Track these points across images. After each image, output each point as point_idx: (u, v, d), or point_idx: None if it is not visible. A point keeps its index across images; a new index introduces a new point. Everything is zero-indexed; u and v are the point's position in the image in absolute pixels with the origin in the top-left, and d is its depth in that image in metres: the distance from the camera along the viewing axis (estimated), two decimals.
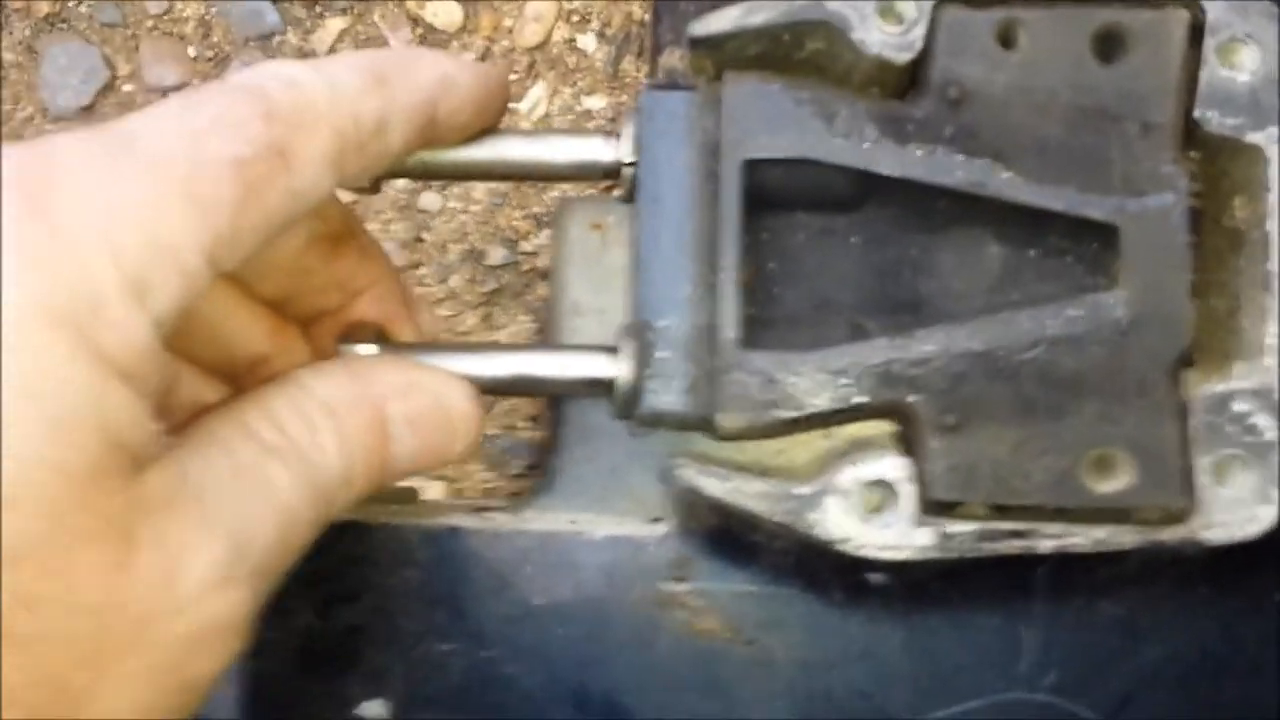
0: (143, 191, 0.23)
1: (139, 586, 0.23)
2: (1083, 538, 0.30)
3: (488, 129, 0.32)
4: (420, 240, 0.49)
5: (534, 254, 0.48)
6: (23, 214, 0.22)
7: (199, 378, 0.31)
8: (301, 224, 0.30)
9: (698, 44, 0.32)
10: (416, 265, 0.49)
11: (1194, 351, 0.31)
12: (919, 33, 0.31)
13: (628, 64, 0.49)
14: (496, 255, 0.49)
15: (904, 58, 0.31)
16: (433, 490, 0.47)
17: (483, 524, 0.33)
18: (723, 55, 0.32)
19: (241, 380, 0.32)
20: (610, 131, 0.32)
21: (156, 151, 0.24)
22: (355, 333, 0.33)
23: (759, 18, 0.31)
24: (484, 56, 0.49)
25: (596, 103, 0.49)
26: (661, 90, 0.32)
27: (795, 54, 0.32)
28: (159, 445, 0.24)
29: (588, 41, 0.49)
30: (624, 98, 0.49)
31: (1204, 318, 0.32)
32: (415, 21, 0.49)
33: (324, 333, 0.33)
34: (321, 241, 0.32)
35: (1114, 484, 0.30)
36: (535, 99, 0.49)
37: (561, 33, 0.49)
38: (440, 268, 0.49)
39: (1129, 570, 0.31)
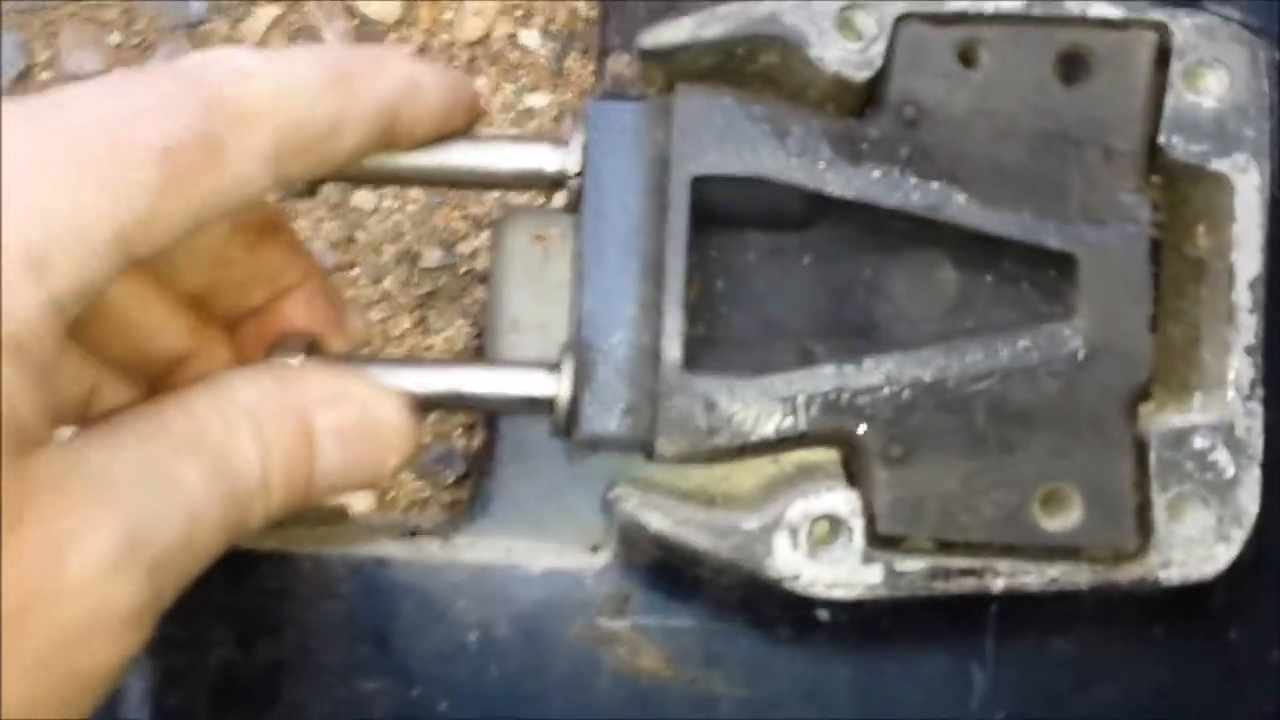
0: (59, 166, 0.23)
1: (21, 568, 0.22)
2: (1035, 576, 0.29)
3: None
4: (353, 240, 0.47)
5: (472, 256, 0.47)
6: None
7: (119, 382, 0.30)
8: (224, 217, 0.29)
9: (648, 55, 0.30)
10: (349, 266, 0.47)
11: (1153, 379, 0.30)
12: (878, 50, 0.29)
13: (572, 61, 0.48)
14: (433, 257, 0.47)
15: (862, 75, 0.30)
16: (362, 502, 0.46)
17: (412, 554, 0.32)
18: (674, 66, 0.31)
19: (163, 383, 0.30)
20: (558, 139, 0.31)
21: (82, 127, 0.23)
22: (284, 344, 0.31)
23: (713, 30, 0.30)
24: (423, 51, 0.47)
25: (539, 100, 0.47)
26: (609, 101, 0.31)
27: (749, 67, 0.31)
28: (54, 429, 0.23)
29: (531, 37, 0.48)
30: (568, 95, 0.48)
31: (1163, 345, 0.31)
32: (350, 13, 0.47)
33: (249, 336, 0.32)
34: (246, 231, 0.30)
35: (1064, 521, 0.29)
36: None
37: (503, 28, 0.48)
38: (374, 269, 0.47)
39: (1082, 608, 0.31)
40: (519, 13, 0.48)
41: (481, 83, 0.47)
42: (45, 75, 0.47)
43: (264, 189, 0.26)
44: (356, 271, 0.47)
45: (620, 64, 0.36)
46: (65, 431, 0.29)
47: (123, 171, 0.23)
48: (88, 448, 0.24)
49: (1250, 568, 0.30)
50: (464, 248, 0.47)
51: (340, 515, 0.37)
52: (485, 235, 0.47)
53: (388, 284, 0.47)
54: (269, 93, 0.25)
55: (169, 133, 0.24)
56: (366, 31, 0.47)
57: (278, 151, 0.25)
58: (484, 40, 0.48)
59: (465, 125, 0.30)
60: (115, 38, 0.47)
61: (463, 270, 0.47)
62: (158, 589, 0.24)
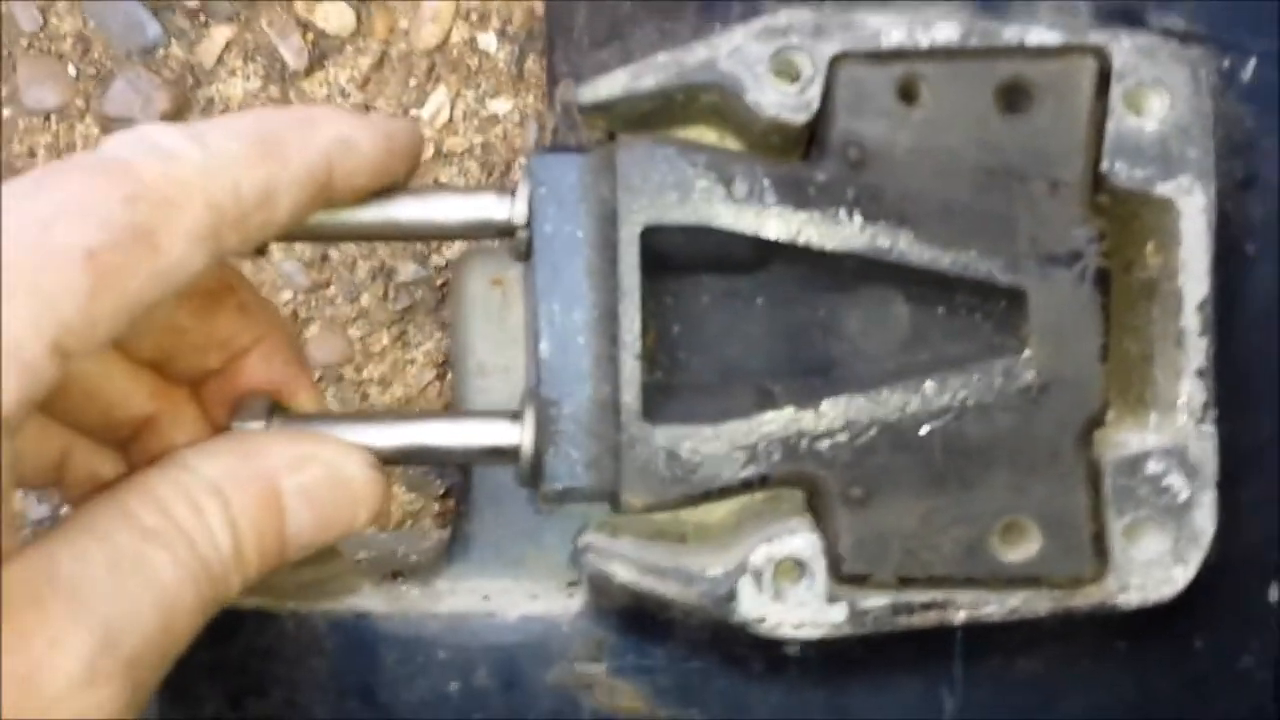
0: None
1: (1, 690, 0.22)
2: (996, 606, 0.30)
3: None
4: (326, 259, 0.47)
5: (446, 268, 0.47)
6: None
7: (90, 447, 0.30)
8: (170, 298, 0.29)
9: (586, 109, 0.30)
10: (325, 284, 0.47)
11: (1112, 395, 0.31)
12: (815, 92, 0.29)
13: (533, 63, 0.47)
14: (407, 271, 0.47)
15: (800, 119, 0.29)
16: None
17: (392, 605, 0.32)
18: (615, 114, 0.31)
19: (131, 446, 0.31)
20: (503, 188, 0.31)
21: (6, 237, 0.23)
22: (247, 405, 0.32)
23: (647, 82, 0.29)
24: (380, 61, 0.47)
25: (502, 106, 0.47)
26: (552, 154, 0.30)
27: (691, 106, 0.31)
28: (20, 537, 0.24)
29: (489, 41, 0.47)
30: (530, 99, 0.47)
31: (1120, 360, 0.31)
32: (305, 27, 0.47)
33: (213, 393, 0.32)
34: (194, 299, 0.31)
35: (1023, 552, 0.29)
36: (437, 105, 0.47)
37: (461, 33, 0.47)
38: (350, 286, 0.47)
39: (1046, 628, 0.31)
40: (475, 16, 0.47)
41: (442, 92, 0.47)
42: (7, 111, 0.47)
43: (203, 266, 0.26)
44: (332, 290, 0.47)
45: (569, 91, 0.36)
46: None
47: (50, 280, 0.23)
48: (58, 551, 0.24)
49: (1213, 577, 0.30)
50: (438, 259, 0.47)
51: (330, 551, 0.37)
52: (459, 245, 0.47)
53: (364, 301, 0.47)
54: (197, 171, 0.25)
55: (91, 234, 0.23)
56: (322, 45, 0.47)
57: (213, 229, 0.25)
58: (442, 46, 0.47)
59: (407, 171, 0.30)
60: (72, 69, 0.47)
61: (439, 282, 0.47)
62: (137, 684, 0.24)
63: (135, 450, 0.31)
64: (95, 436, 0.30)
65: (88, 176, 0.24)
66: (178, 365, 0.31)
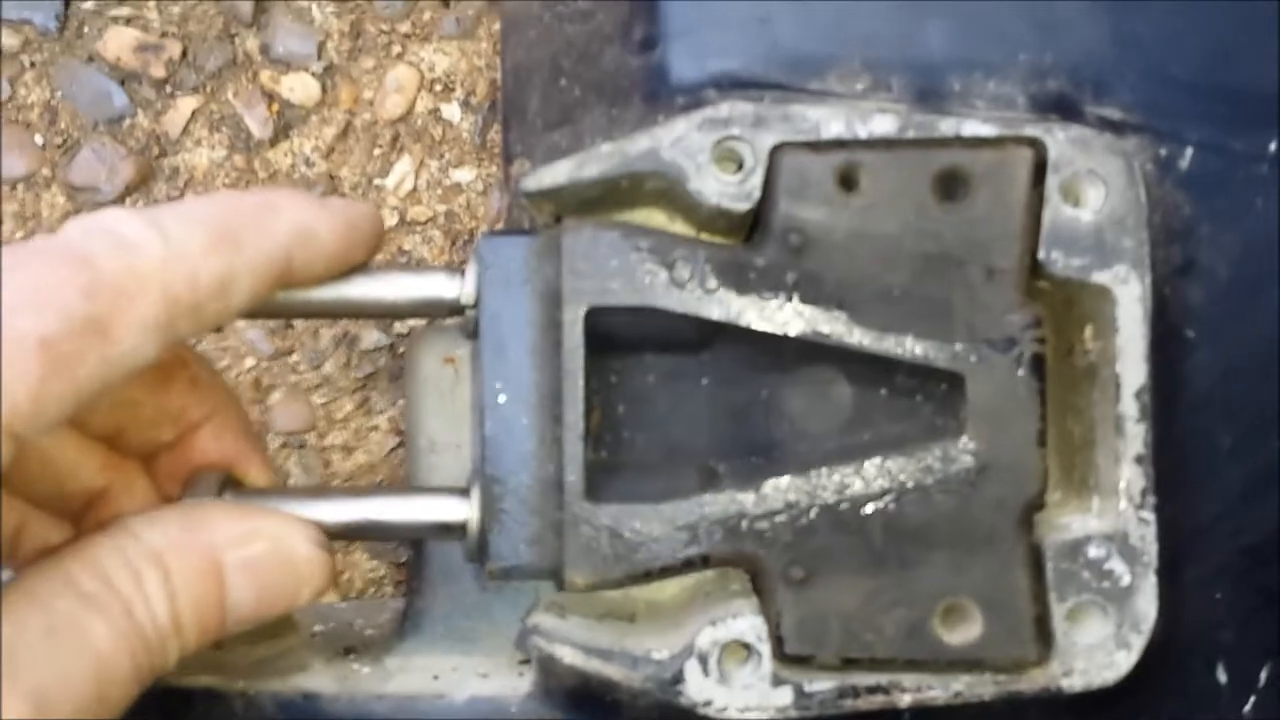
0: None
1: None
2: (941, 690, 0.30)
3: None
4: (291, 326, 0.47)
5: (409, 335, 0.47)
6: None
7: (42, 518, 0.31)
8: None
9: (532, 195, 0.30)
10: (288, 352, 0.47)
11: (1057, 474, 0.31)
12: (756, 181, 0.30)
13: (495, 134, 0.48)
14: (370, 339, 0.47)
15: (742, 207, 0.30)
16: None
17: (341, 686, 0.32)
18: (563, 199, 0.31)
19: (82, 517, 0.31)
20: (453, 267, 0.31)
21: None
22: (200, 479, 0.32)
23: (591, 170, 0.30)
24: (345, 131, 0.47)
25: (465, 175, 0.48)
26: (499, 237, 0.31)
27: (638, 191, 0.31)
28: None
29: (452, 111, 0.48)
30: (493, 168, 0.48)
31: (1064, 442, 0.31)
32: (271, 97, 0.47)
33: (165, 468, 0.32)
34: (148, 374, 0.31)
35: (964, 634, 0.30)
36: (401, 174, 0.47)
37: (425, 103, 0.48)
38: (313, 354, 0.47)
39: (994, 714, 0.31)
40: (439, 87, 0.48)
41: (406, 161, 0.47)
42: None
43: (154, 354, 0.26)
44: (296, 357, 0.47)
45: (523, 169, 0.37)
46: None
47: (5, 368, 0.23)
48: None
49: (1161, 658, 0.31)
50: (400, 327, 0.47)
51: (283, 626, 0.37)
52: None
53: (328, 368, 0.47)
54: (156, 262, 0.26)
55: (46, 323, 0.24)
56: (288, 115, 0.47)
57: (169, 318, 0.26)
58: (406, 117, 0.48)
59: (366, 257, 0.31)
60: (39, 138, 0.47)
61: (401, 350, 0.47)
62: None
63: (87, 522, 0.31)
64: (48, 508, 0.31)
65: (48, 265, 0.25)
66: (130, 439, 0.32)
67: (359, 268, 0.31)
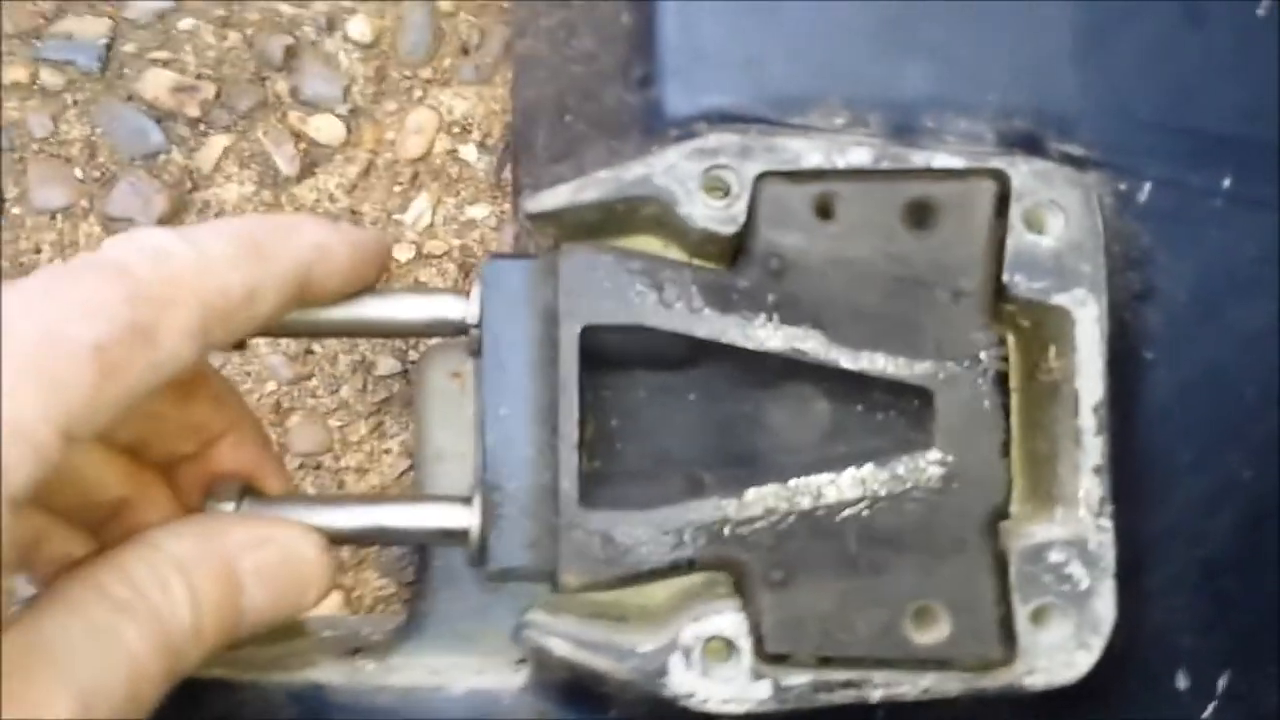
0: (1, 375, 0.25)
1: None
2: (910, 686, 0.32)
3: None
4: (311, 352, 0.50)
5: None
6: None
7: (64, 529, 0.32)
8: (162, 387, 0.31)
9: (534, 218, 0.33)
10: (307, 377, 0.50)
11: (1024, 488, 0.33)
12: (741, 206, 0.32)
13: (509, 173, 0.50)
14: (385, 366, 0.50)
15: (728, 230, 0.32)
16: (329, 602, 0.48)
17: (347, 678, 0.34)
18: (562, 222, 0.33)
19: (104, 528, 0.33)
20: (459, 290, 0.34)
21: (15, 334, 0.25)
22: (220, 488, 0.34)
23: (589, 194, 0.32)
24: (368, 169, 0.50)
25: (480, 211, 0.50)
26: (502, 260, 0.33)
27: (634, 216, 0.33)
28: (12, 609, 0.26)
29: (469, 152, 0.50)
30: (506, 206, 0.50)
31: (1030, 459, 0.33)
32: (298, 137, 0.50)
33: (185, 478, 0.34)
34: (172, 389, 0.32)
35: (933, 635, 0.31)
36: (420, 210, 0.50)
37: (443, 144, 0.50)
38: (331, 379, 0.50)
39: (963, 708, 0.33)
40: (457, 130, 0.50)
41: (424, 198, 0.50)
42: (17, 210, 0.50)
43: (193, 358, 0.28)
44: (314, 382, 0.50)
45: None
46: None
47: (60, 373, 0.25)
48: (40, 622, 0.26)
49: (1122, 663, 0.32)
50: (414, 355, 0.50)
51: (294, 630, 0.40)
52: (434, 342, 0.49)
53: (344, 393, 0.50)
54: (191, 272, 0.28)
55: (98, 330, 0.26)
56: (314, 154, 0.50)
57: (204, 324, 0.28)
58: (425, 157, 0.50)
59: (375, 277, 0.33)
60: (79, 172, 0.50)
61: (414, 378, 0.50)
62: None
63: (108, 532, 0.32)
64: (71, 519, 0.32)
65: (94, 277, 0.27)
66: (153, 450, 0.34)
67: (370, 289, 0.33)
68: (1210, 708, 0.34)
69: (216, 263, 0.28)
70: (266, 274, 0.29)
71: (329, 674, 0.35)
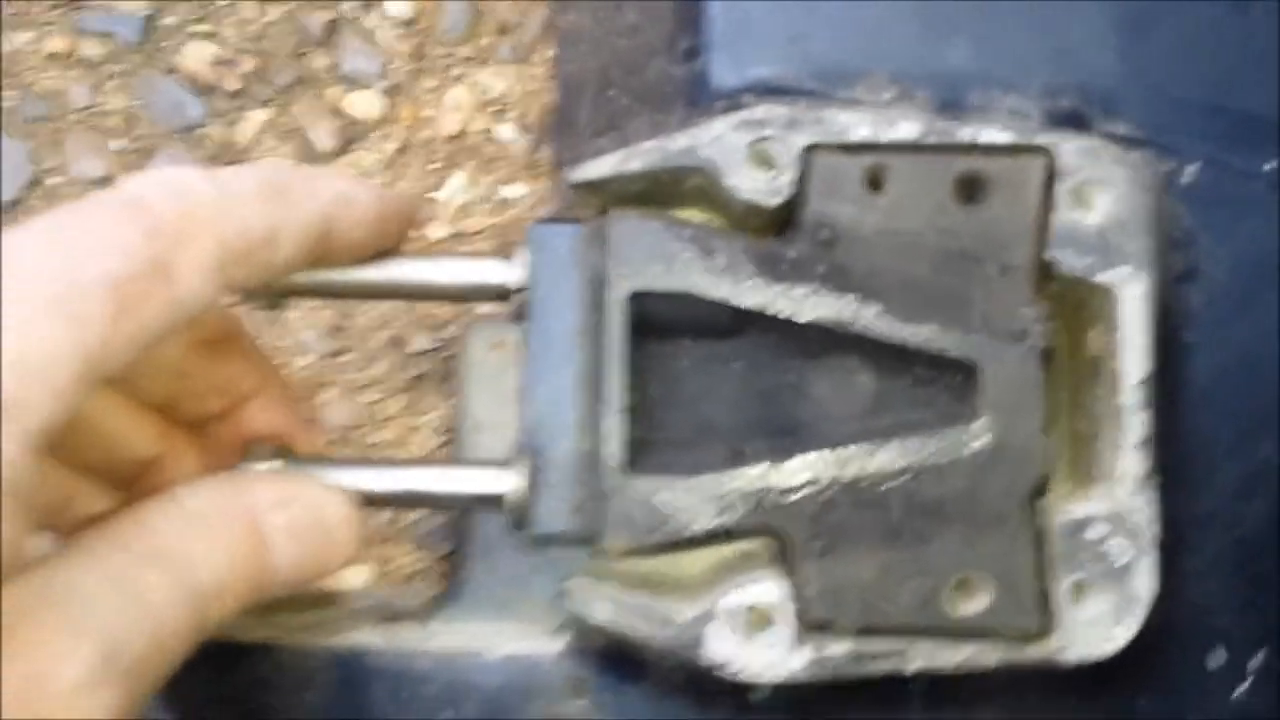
0: (15, 311, 0.24)
1: (7, 698, 0.23)
2: (948, 657, 0.32)
3: (386, 251, 0.33)
4: (344, 328, 0.50)
5: (455, 341, 0.50)
6: None
7: (93, 488, 0.32)
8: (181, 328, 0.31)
9: (578, 187, 0.33)
10: (341, 352, 0.50)
11: (1062, 471, 0.33)
12: (787, 179, 0.32)
13: (545, 153, 0.51)
14: (419, 342, 0.50)
15: (773, 202, 0.32)
16: (364, 573, 0.49)
17: (387, 642, 0.35)
18: (607, 191, 0.34)
19: (135, 486, 0.32)
20: (502, 255, 0.34)
21: (30, 270, 0.25)
22: (254, 450, 0.34)
23: (635, 164, 0.33)
24: (404, 147, 0.50)
25: (515, 191, 0.50)
26: (549, 224, 0.33)
27: (679, 187, 0.34)
28: (29, 556, 0.25)
29: (506, 131, 0.51)
30: (541, 185, 0.50)
31: (1071, 438, 0.33)
32: (336, 113, 0.50)
33: (215, 439, 0.34)
34: (200, 346, 0.33)
35: (974, 606, 0.32)
36: (455, 188, 0.50)
37: (480, 123, 0.51)
38: (363, 355, 0.50)
39: (1000, 682, 0.33)
40: (494, 109, 0.51)
41: (460, 176, 0.50)
42: (54, 181, 0.51)
43: (212, 297, 0.27)
44: (348, 358, 0.50)
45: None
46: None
47: (79, 309, 0.25)
48: (59, 571, 0.26)
49: (1158, 640, 0.32)
50: (447, 333, 0.50)
51: (329, 599, 0.40)
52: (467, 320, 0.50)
53: (377, 369, 0.50)
54: (210, 205, 0.27)
55: (116, 264, 0.25)
56: (352, 130, 0.50)
57: (221, 262, 0.27)
58: (462, 135, 0.51)
59: (399, 236, 0.33)
60: (117, 144, 0.50)
61: (447, 354, 0.50)
62: (133, 696, 0.26)
63: (137, 491, 0.32)
64: (99, 477, 0.32)
65: (110, 212, 0.26)
66: (182, 409, 0.33)
67: (395, 251, 0.33)
68: (1245, 685, 0.34)
69: (237, 201, 0.28)
70: (288, 217, 0.29)
71: (369, 638, 0.35)
